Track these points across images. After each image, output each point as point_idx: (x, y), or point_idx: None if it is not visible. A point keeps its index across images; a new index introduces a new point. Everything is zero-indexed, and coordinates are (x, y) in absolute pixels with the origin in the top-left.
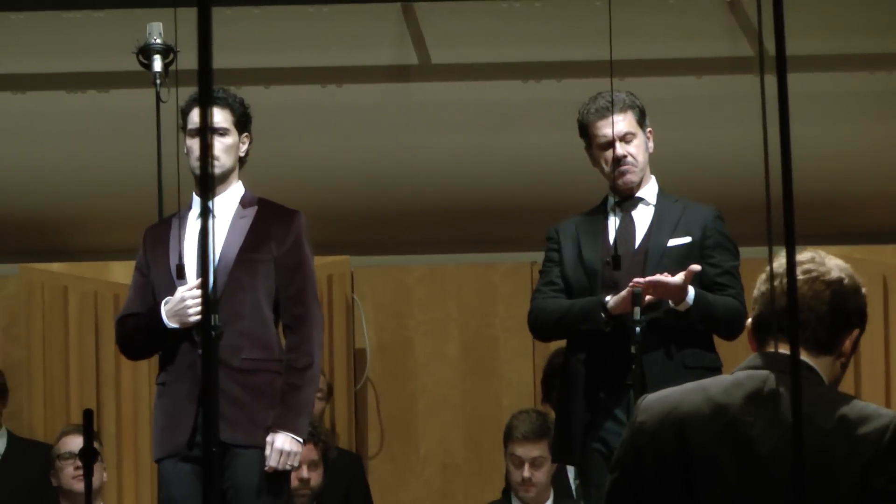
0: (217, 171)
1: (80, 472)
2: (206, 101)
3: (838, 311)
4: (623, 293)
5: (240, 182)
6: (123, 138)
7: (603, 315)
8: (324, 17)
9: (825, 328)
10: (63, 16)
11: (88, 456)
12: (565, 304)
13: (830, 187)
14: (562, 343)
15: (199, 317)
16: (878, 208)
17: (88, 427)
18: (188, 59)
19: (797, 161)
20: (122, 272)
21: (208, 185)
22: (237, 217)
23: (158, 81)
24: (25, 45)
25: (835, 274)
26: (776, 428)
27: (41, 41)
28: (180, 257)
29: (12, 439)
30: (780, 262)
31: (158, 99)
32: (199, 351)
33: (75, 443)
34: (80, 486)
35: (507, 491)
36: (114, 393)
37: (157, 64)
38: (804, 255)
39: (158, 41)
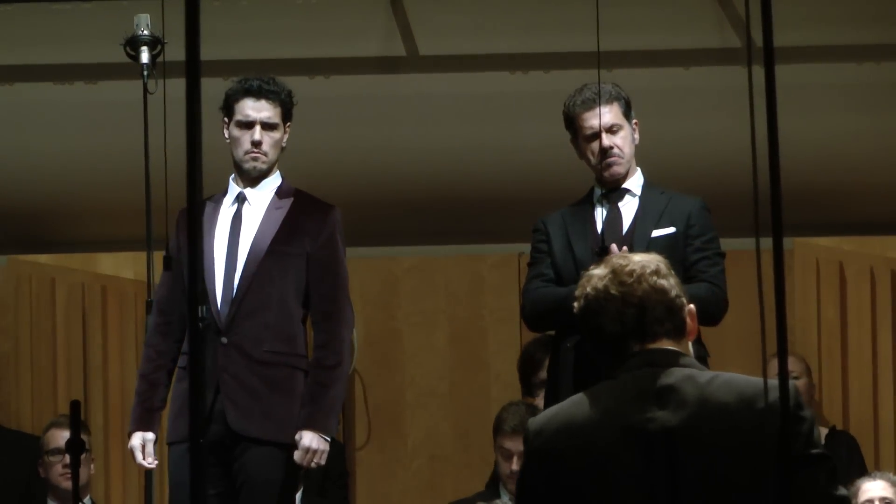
0: (264, 166)
1: (69, 470)
2: (194, 93)
3: (676, 296)
4: None
5: (278, 172)
6: (111, 130)
7: None
8: (311, 8)
9: (675, 314)
10: (51, 7)
11: (76, 448)
12: (561, 292)
13: (818, 179)
14: (535, 334)
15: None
16: (866, 200)
17: (76, 418)
18: (176, 51)
19: (785, 152)
20: (109, 264)
21: (196, 179)
22: (272, 208)
23: (146, 73)
24: (13, 37)
25: (651, 264)
26: (681, 421)
27: (29, 33)
28: (167, 249)
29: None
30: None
31: (146, 90)
32: (223, 339)
33: (63, 437)
34: (68, 483)
35: (495, 482)
36: (101, 384)
37: (145, 55)
38: (612, 262)
39: (146, 33)
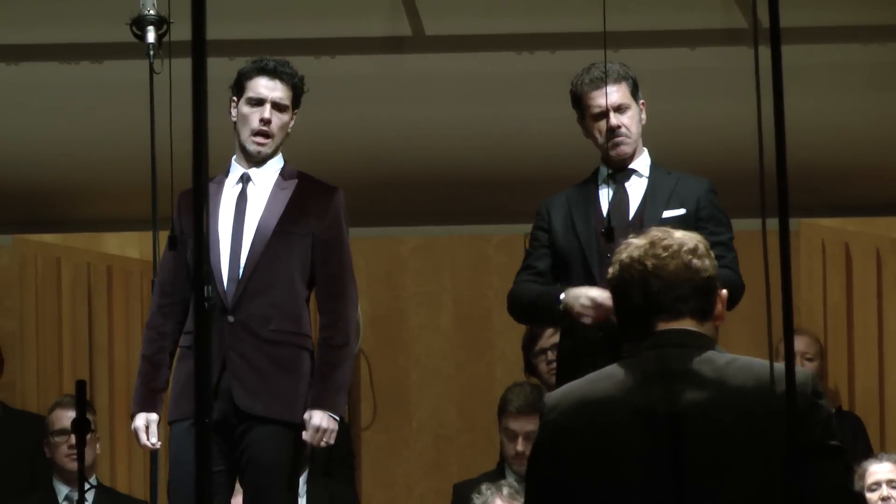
0: (269, 149)
1: (75, 451)
2: (200, 72)
3: (709, 277)
4: (582, 298)
5: (280, 155)
6: (117, 110)
7: (560, 308)
8: None
9: (704, 296)
10: None
11: (82, 427)
12: (535, 291)
13: (824, 159)
14: None
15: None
16: (871, 180)
17: (81, 398)
18: (182, 31)
19: (791, 133)
20: (115, 243)
21: (202, 159)
22: (277, 188)
23: (152, 53)
24: (18, 16)
25: (690, 242)
26: (700, 401)
27: (34, 12)
28: (172, 229)
29: (5, 410)
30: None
31: (152, 70)
32: (230, 318)
33: (68, 417)
34: (73, 465)
35: (502, 463)
36: (106, 364)
37: (151, 35)
38: (652, 234)
39: (152, 12)
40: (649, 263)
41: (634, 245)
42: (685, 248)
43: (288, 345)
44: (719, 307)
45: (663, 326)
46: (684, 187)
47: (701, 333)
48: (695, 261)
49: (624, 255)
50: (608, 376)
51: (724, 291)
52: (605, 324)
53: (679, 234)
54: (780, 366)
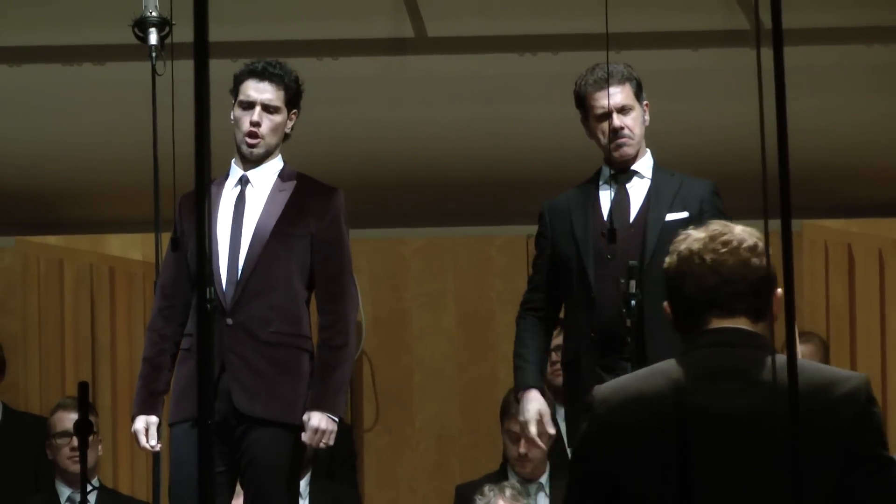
0: (261, 150)
1: (77, 453)
2: (202, 74)
3: (765, 276)
4: (527, 421)
5: (280, 156)
6: (119, 111)
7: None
8: None
9: (759, 295)
10: None
11: (84, 429)
12: (519, 350)
13: (827, 161)
14: None
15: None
16: (874, 182)
17: (84, 400)
18: (184, 32)
19: (793, 134)
20: (117, 245)
21: (204, 161)
22: (276, 190)
23: (154, 54)
24: (21, 18)
25: (750, 239)
26: (750, 401)
27: (37, 14)
28: (175, 231)
29: (8, 412)
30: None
31: (154, 72)
32: (228, 320)
33: (70, 418)
34: (75, 467)
35: (504, 465)
36: (109, 365)
37: (153, 37)
38: (712, 228)
39: (154, 14)
40: (708, 258)
41: (693, 237)
42: (745, 245)
43: (287, 346)
44: (774, 307)
45: (717, 323)
46: (688, 190)
47: (756, 333)
48: (753, 259)
49: (682, 247)
50: (661, 373)
51: (780, 291)
52: (603, 325)
53: (738, 230)
54: (834, 370)
